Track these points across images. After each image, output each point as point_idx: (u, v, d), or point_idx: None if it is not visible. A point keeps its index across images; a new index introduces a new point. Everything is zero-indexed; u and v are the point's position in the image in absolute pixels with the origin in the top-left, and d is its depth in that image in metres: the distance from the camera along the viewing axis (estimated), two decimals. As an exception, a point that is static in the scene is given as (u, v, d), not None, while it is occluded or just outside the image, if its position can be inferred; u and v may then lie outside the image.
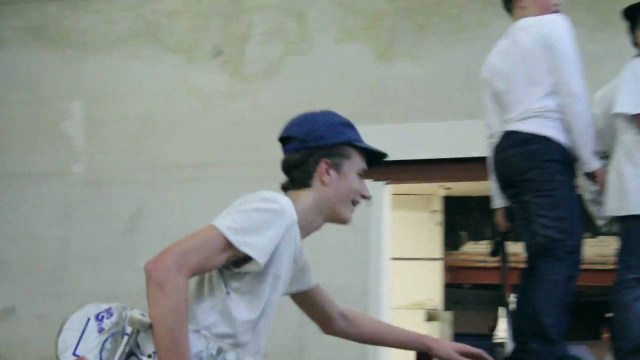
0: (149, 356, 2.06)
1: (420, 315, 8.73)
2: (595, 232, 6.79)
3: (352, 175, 2.33)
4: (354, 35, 5.93)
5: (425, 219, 9.00)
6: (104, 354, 2.06)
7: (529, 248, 3.43)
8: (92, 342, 2.06)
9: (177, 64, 6.24)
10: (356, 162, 2.34)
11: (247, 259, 2.16)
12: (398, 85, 5.79)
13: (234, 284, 2.19)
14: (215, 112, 6.13)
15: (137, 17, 6.40)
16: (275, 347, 5.71)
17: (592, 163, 3.41)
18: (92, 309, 2.09)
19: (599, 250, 7.45)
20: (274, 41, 6.10)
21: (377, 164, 2.44)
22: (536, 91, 3.48)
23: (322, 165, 2.29)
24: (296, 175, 2.32)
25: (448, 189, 8.56)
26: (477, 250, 8.79)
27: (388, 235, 5.86)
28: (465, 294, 9.13)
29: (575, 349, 3.63)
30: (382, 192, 5.78)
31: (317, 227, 2.41)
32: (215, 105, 6.14)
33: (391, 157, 5.66)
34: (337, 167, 2.30)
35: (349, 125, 2.39)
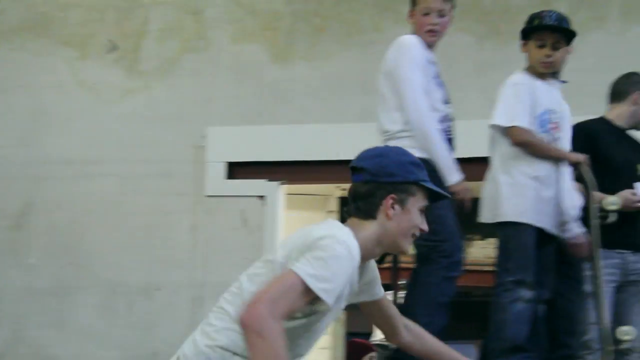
0: None
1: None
2: (484, 234, 6.99)
3: (415, 211, 2.45)
4: (251, 35, 5.94)
5: (321, 219, 9.07)
6: None
7: (414, 253, 3.54)
8: None
9: (70, 57, 6.12)
10: (420, 200, 2.46)
11: (316, 299, 2.27)
12: (294, 86, 5.83)
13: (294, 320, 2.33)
14: (109, 107, 6.03)
15: (28, 8, 6.24)
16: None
17: (449, 177, 3.47)
18: None
19: (487, 252, 7.66)
20: (171, 38, 6.05)
21: (437, 200, 2.58)
22: (388, 111, 3.58)
23: (389, 201, 2.41)
24: (362, 206, 2.44)
25: (345, 189, 8.64)
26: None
27: (282, 235, 5.90)
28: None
29: (462, 348, 3.73)
30: (276, 192, 5.82)
31: (375, 256, 2.54)
32: (109, 101, 6.04)
33: (286, 157, 5.77)
34: (402, 203, 2.43)
35: (418, 165, 2.51)
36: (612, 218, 3.66)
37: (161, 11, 6.08)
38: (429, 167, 3.37)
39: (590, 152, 3.75)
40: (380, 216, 2.43)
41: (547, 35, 3.64)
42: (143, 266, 5.75)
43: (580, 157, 3.62)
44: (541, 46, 3.63)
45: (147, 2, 6.12)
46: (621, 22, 5.47)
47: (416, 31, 3.65)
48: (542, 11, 3.73)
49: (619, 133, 4.15)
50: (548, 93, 3.67)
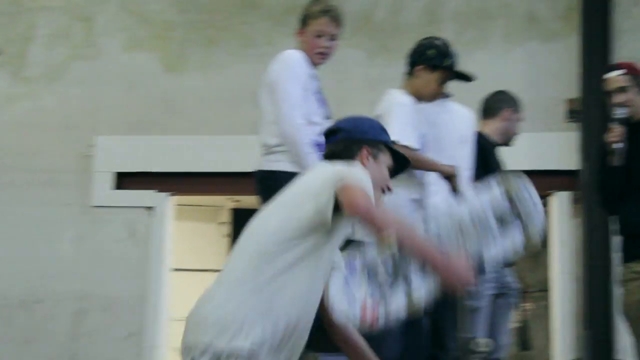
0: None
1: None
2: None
3: (384, 166, 2.67)
4: (143, 44, 5.88)
5: (213, 231, 9.02)
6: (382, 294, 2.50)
7: None
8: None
9: (-49, 62, 5.91)
10: (387, 159, 2.69)
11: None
12: (186, 97, 5.80)
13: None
14: (-7, 114, 5.85)
15: None
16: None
17: None
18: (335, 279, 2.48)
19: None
20: (59, 44, 5.91)
21: (398, 173, 2.78)
22: (267, 125, 3.61)
23: (364, 152, 2.63)
24: (339, 162, 2.59)
25: (237, 201, 8.62)
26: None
27: (170, 246, 5.84)
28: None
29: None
30: (165, 203, 5.75)
31: None
32: (-8, 107, 5.86)
33: (176, 168, 5.72)
34: (375, 156, 2.64)
35: (385, 132, 2.75)
36: None
37: (49, 16, 5.94)
38: None
39: (482, 164, 3.87)
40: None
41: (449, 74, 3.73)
42: (23, 278, 5.59)
43: (452, 169, 3.71)
44: (443, 82, 3.73)
45: (35, 7, 5.97)
46: (503, 43, 5.69)
47: (305, 49, 3.68)
48: (450, 48, 3.77)
49: (494, 148, 4.33)
50: (431, 112, 3.77)
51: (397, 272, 2.53)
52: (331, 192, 2.38)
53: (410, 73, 3.74)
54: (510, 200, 2.65)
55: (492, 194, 2.68)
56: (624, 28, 5.57)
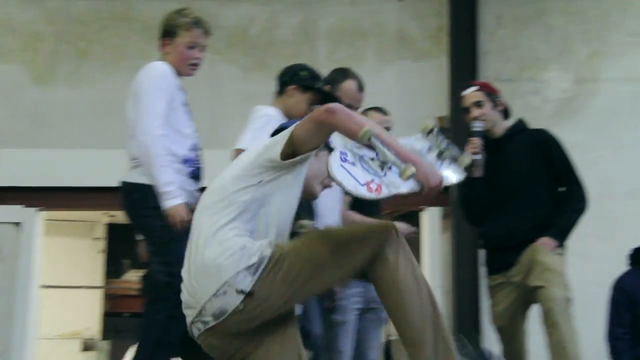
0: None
1: (77, 345, 8.47)
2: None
3: (324, 163, 2.69)
4: (10, 55, 5.72)
5: (87, 246, 8.81)
6: (373, 170, 2.63)
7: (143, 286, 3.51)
8: (358, 169, 2.62)
9: None
10: (326, 155, 2.73)
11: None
12: (55, 109, 5.66)
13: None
14: None
15: None
16: None
17: (166, 201, 3.38)
18: (333, 159, 2.62)
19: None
20: None
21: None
22: (134, 136, 3.52)
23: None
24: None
25: (112, 216, 8.45)
26: (139, 278, 8.69)
27: (39, 262, 5.66)
28: (125, 323, 8.99)
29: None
30: (34, 218, 5.58)
31: None
32: None
33: (45, 183, 5.55)
34: (315, 153, 2.69)
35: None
36: None
37: None
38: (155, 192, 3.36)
39: None
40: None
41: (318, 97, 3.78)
42: None
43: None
44: (312, 103, 3.77)
45: None
46: (376, 62, 5.83)
47: (173, 61, 3.65)
48: (319, 75, 3.83)
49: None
50: None
51: (383, 161, 2.64)
52: (286, 134, 2.54)
53: (282, 92, 3.76)
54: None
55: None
56: (488, 49, 5.81)
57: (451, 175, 2.82)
